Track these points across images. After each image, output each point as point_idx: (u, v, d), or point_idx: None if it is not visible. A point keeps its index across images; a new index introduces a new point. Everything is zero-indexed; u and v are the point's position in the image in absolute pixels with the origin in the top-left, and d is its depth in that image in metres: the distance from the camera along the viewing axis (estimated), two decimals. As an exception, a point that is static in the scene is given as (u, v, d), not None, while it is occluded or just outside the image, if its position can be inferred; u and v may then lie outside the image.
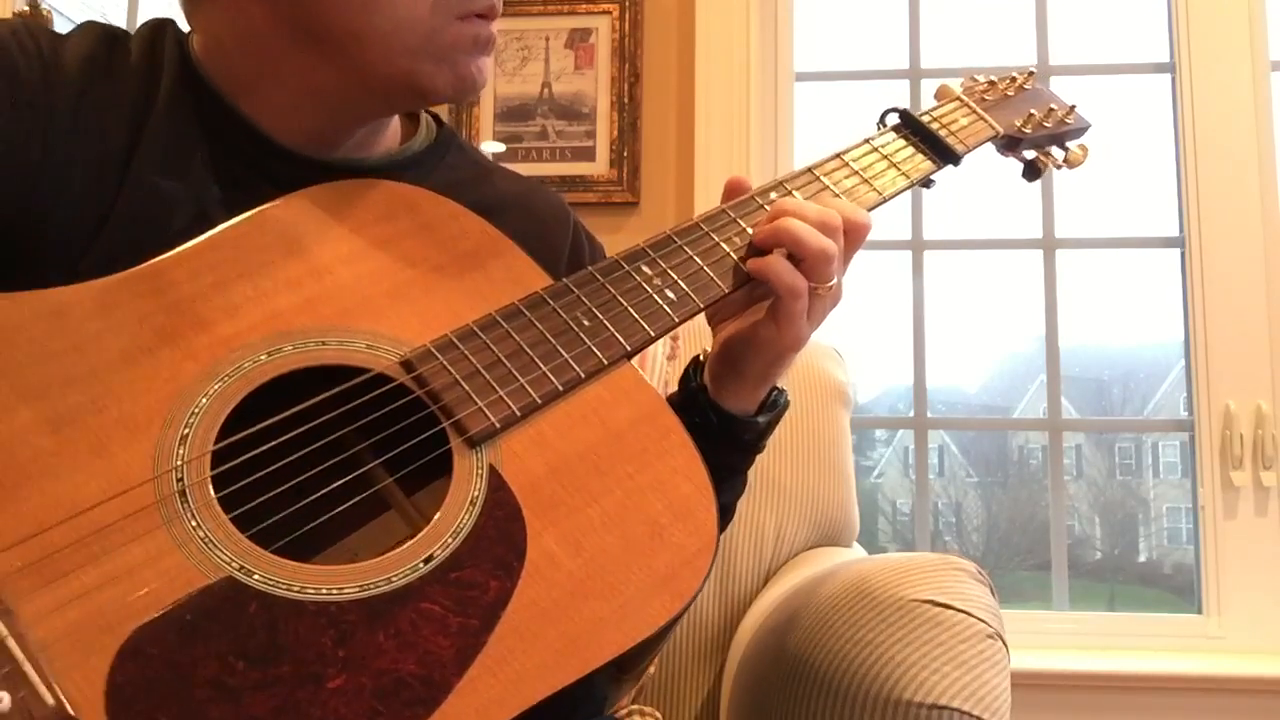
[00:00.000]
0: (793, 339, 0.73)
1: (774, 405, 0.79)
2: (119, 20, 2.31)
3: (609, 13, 2.01)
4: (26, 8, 1.96)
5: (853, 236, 0.74)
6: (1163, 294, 2.01)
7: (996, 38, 2.17)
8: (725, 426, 0.76)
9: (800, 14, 2.08)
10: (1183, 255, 1.94)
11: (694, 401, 0.77)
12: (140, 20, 2.29)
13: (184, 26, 0.79)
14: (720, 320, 0.79)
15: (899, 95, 2.08)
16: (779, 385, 0.79)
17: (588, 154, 2.00)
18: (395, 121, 0.85)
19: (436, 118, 0.88)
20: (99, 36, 0.75)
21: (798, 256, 0.72)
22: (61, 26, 2.03)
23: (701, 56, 1.99)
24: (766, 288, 0.73)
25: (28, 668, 0.45)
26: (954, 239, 2.04)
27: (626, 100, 1.99)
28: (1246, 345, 1.87)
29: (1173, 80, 1.98)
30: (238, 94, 0.75)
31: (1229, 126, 1.91)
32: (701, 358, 0.80)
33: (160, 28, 0.78)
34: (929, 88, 2.22)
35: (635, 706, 1.07)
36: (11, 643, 0.45)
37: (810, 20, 2.11)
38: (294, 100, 0.75)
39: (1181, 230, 1.94)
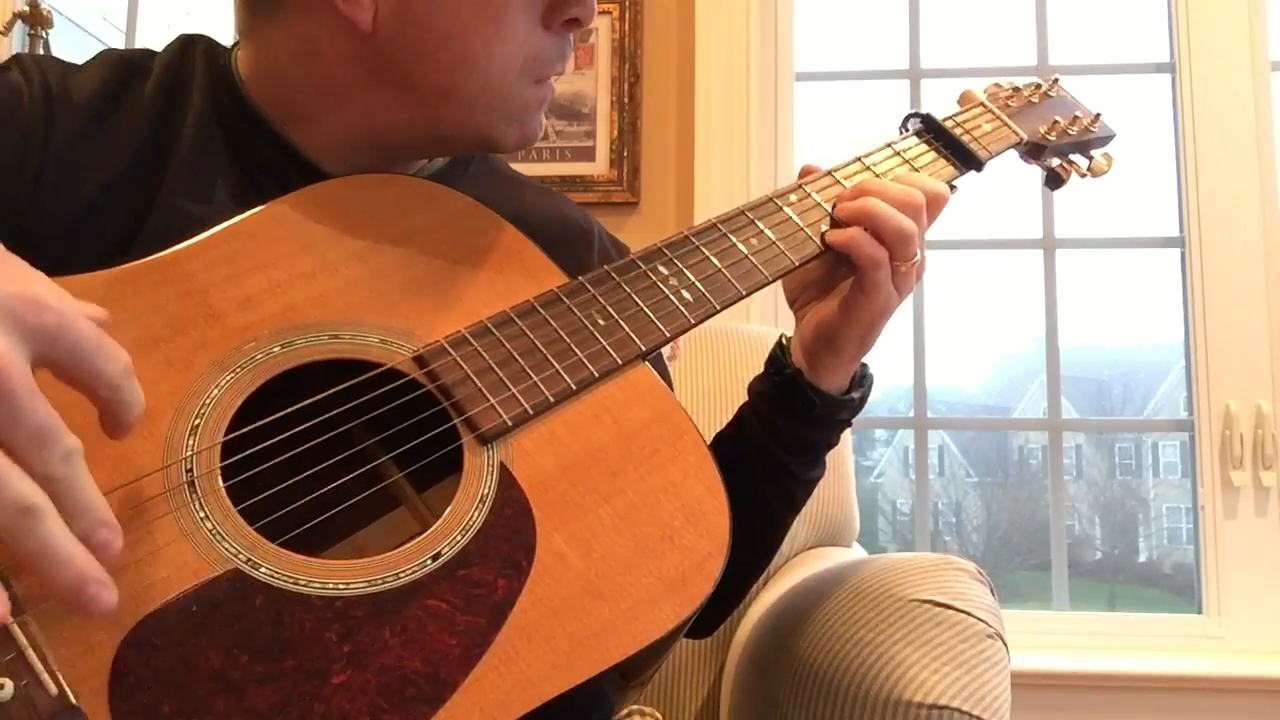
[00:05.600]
0: (882, 305, 0.76)
1: (863, 381, 0.82)
2: (119, 20, 2.31)
3: (609, 13, 2.01)
4: (26, 8, 1.96)
5: (933, 209, 0.78)
6: (1163, 294, 2.01)
7: (996, 38, 2.17)
8: (826, 407, 0.79)
9: (800, 14, 2.08)
10: (1183, 255, 1.94)
11: (794, 386, 0.79)
12: (141, 20, 2.29)
13: (222, 39, 0.79)
14: (804, 303, 0.82)
15: (899, 95, 2.08)
16: (864, 361, 0.82)
17: (588, 154, 2.00)
18: None
19: None
20: (115, 66, 0.74)
21: (878, 236, 0.74)
22: (61, 26, 2.03)
23: (701, 56, 1.99)
24: (848, 261, 0.75)
25: (31, 656, 0.45)
26: (954, 239, 2.04)
27: (626, 100, 1.99)
28: (1246, 345, 1.87)
29: (1173, 80, 1.98)
30: (287, 120, 0.74)
31: (1229, 126, 1.92)
32: (785, 341, 0.82)
33: (188, 45, 0.77)
34: (929, 88, 2.23)
35: (635, 707, 1.07)
36: (16, 630, 0.45)
37: (810, 20, 2.11)
38: (351, 135, 0.74)
39: (1181, 230, 1.94)
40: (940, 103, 0.91)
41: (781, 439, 0.80)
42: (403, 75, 0.72)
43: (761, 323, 1.87)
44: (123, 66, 0.75)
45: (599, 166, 1.99)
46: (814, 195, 0.78)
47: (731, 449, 0.80)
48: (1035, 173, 0.97)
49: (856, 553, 1.36)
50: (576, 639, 0.53)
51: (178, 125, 0.73)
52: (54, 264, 0.66)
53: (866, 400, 0.83)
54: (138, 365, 0.57)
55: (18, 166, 0.68)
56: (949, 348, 2.14)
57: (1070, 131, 0.92)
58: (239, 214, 0.69)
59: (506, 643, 0.52)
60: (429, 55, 0.70)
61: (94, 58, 0.76)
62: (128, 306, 0.59)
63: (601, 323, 0.67)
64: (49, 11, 1.96)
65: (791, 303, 0.83)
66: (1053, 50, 2.05)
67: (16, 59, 0.73)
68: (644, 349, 0.67)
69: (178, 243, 0.65)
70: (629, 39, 2.00)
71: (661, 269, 0.70)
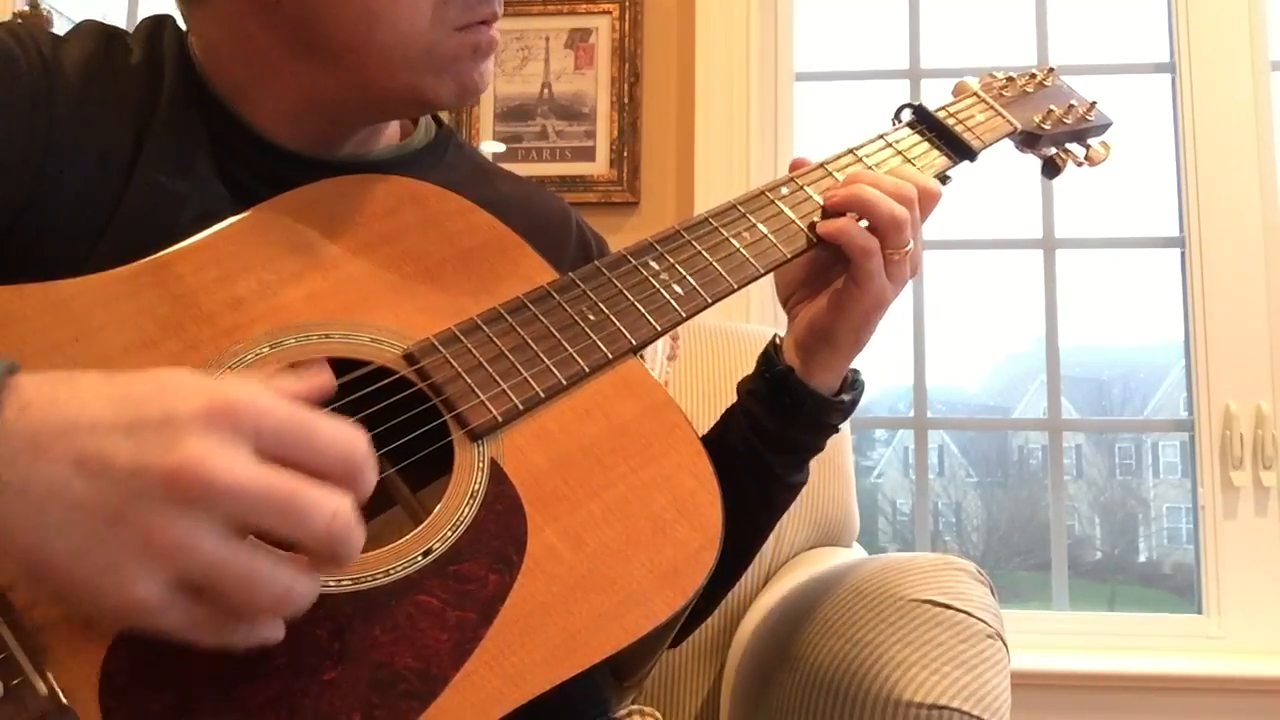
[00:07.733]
0: (876, 297, 0.75)
1: (854, 386, 0.82)
2: (119, 20, 2.31)
3: (609, 13, 2.01)
4: (26, 7, 1.96)
5: (925, 204, 0.78)
6: (1163, 294, 2.01)
7: (996, 38, 2.17)
8: (816, 407, 0.79)
9: (800, 14, 2.08)
10: (1183, 255, 1.94)
11: (784, 383, 0.79)
12: (140, 19, 2.29)
13: (183, 24, 0.79)
14: (797, 301, 0.81)
15: (899, 95, 2.08)
16: (854, 366, 0.82)
17: (588, 154, 2.00)
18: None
19: (436, 116, 0.88)
20: (98, 36, 0.74)
21: (870, 223, 0.74)
22: (61, 27, 2.03)
23: (701, 56, 1.98)
24: (840, 250, 0.75)
25: (21, 655, 0.45)
26: (954, 239, 2.03)
27: (626, 100, 1.99)
28: (1246, 345, 1.87)
29: (1173, 80, 1.98)
30: (236, 98, 0.75)
31: (1229, 126, 1.91)
32: (778, 340, 0.82)
33: (159, 25, 0.78)
34: (929, 88, 2.23)
35: (635, 707, 1.06)
36: (5, 630, 0.45)
37: (810, 20, 2.11)
38: (292, 107, 0.75)
39: (1181, 230, 1.94)
40: (940, 103, 0.90)
41: (768, 438, 0.80)
42: (315, 40, 0.71)
43: (760, 323, 1.87)
44: (104, 38, 0.75)
45: (599, 166, 1.99)
46: (806, 188, 0.78)
47: (717, 448, 0.80)
48: (1035, 174, 0.97)
49: (856, 553, 1.36)
50: (569, 632, 0.53)
51: (155, 101, 0.73)
52: (68, 235, 0.67)
53: (856, 405, 0.82)
54: (129, 367, 0.57)
55: (26, 134, 0.67)
56: (949, 348, 2.14)
57: (1066, 120, 0.92)
58: (220, 195, 0.69)
59: (498, 637, 0.52)
60: (333, 16, 0.70)
61: (75, 28, 0.75)
62: (118, 310, 0.60)
63: (592, 318, 0.67)
64: (49, 12, 1.96)
65: (784, 301, 0.82)
66: (1053, 50, 2.05)
67: (3, 23, 0.72)
68: (635, 343, 0.67)
69: (155, 219, 0.65)
70: (629, 39, 2.00)
71: (652, 264, 0.71)
